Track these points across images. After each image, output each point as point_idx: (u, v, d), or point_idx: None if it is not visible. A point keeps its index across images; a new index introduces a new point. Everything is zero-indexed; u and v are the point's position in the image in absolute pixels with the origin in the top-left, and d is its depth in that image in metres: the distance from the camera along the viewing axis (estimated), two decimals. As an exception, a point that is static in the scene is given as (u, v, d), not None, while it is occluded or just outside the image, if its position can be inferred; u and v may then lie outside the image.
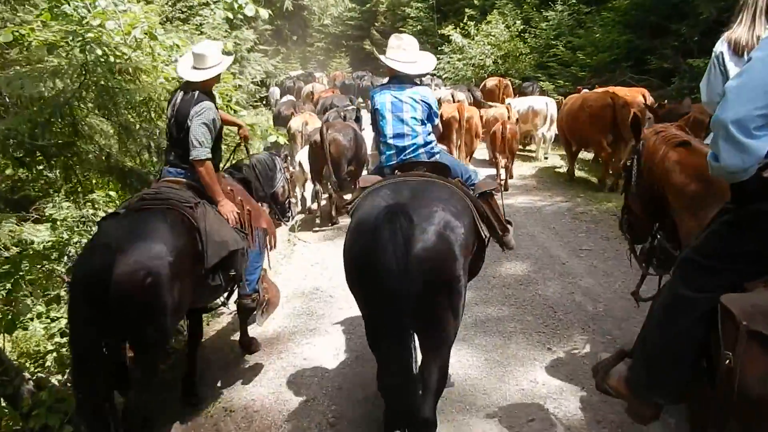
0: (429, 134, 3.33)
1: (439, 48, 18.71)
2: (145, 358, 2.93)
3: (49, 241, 4.98)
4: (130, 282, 2.67)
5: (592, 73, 12.37)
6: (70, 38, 4.52)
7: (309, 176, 7.73)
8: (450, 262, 2.53)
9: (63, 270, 4.79)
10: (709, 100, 2.46)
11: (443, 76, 17.36)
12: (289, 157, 7.51)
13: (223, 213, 3.53)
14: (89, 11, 4.94)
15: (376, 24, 30.61)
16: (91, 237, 3.60)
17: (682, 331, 2.03)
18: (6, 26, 4.68)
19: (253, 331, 4.54)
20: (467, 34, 17.81)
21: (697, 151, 2.52)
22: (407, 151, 3.24)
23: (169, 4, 12.89)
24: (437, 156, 3.33)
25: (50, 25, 4.85)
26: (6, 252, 4.42)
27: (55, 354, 4.27)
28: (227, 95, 6.21)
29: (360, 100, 14.69)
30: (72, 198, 5.04)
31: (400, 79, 3.29)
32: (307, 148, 7.65)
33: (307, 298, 5.37)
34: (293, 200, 5.24)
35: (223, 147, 4.13)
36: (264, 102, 18.64)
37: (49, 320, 4.61)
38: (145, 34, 4.95)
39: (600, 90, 9.04)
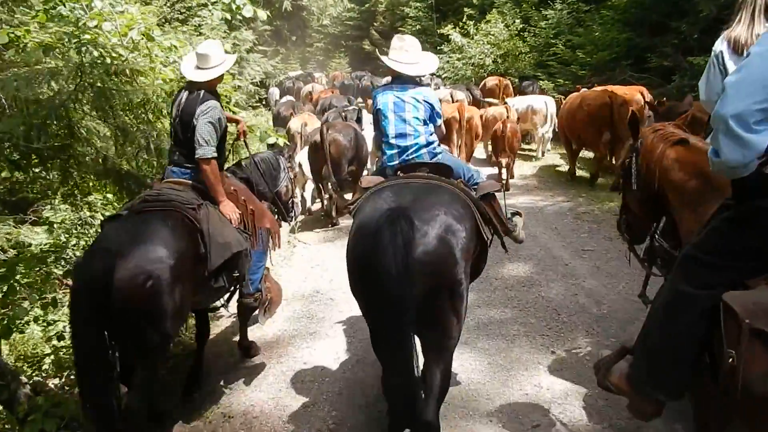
0: (431, 134, 3.31)
1: (438, 47, 18.65)
2: (145, 361, 2.92)
3: (46, 244, 4.94)
4: (131, 286, 2.67)
5: (592, 71, 12.32)
6: (66, 40, 4.45)
7: (309, 177, 7.67)
8: (451, 265, 2.52)
9: (60, 273, 4.75)
10: (707, 98, 2.44)
11: (443, 76, 17.29)
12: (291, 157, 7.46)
13: (225, 213, 3.53)
14: (86, 12, 4.88)
15: (375, 24, 30.52)
16: (93, 240, 3.59)
17: (683, 328, 2.03)
18: (2, 28, 4.62)
19: (252, 334, 4.50)
20: (466, 33, 17.76)
21: (696, 148, 2.54)
22: (409, 151, 3.22)
23: (168, 5, 12.82)
24: (439, 156, 3.31)
25: (48, 27, 4.80)
26: (3, 255, 4.38)
27: (52, 357, 4.23)
28: (226, 96, 6.15)
29: (359, 100, 14.65)
30: (69, 201, 4.99)
31: (402, 80, 3.29)
32: (306, 148, 7.60)
33: (307, 300, 5.32)
34: (296, 200, 5.23)
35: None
36: (263, 103, 18.58)
37: (46, 323, 4.57)
38: (142, 35, 4.88)
39: (599, 89, 9.02)
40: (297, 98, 14.67)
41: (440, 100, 3.83)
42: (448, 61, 17.67)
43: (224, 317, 4.94)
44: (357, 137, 7.50)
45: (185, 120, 3.49)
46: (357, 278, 2.70)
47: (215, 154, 3.50)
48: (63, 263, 4.77)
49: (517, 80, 14.42)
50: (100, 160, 4.20)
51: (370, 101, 11.70)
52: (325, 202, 7.74)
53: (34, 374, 4.11)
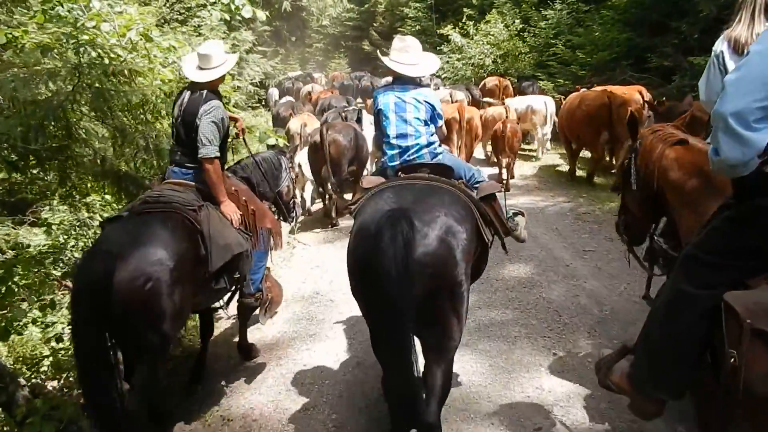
0: (432, 135, 3.31)
1: (438, 48, 18.63)
2: (145, 363, 2.92)
3: (45, 245, 4.91)
4: (131, 288, 2.69)
5: (592, 71, 12.29)
6: (64, 40, 4.43)
7: (309, 178, 7.64)
8: (452, 266, 2.52)
9: (59, 274, 4.72)
10: (707, 98, 2.44)
11: (442, 76, 17.27)
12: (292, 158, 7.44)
13: (226, 214, 3.53)
14: (84, 13, 4.86)
15: (374, 24, 30.47)
16: (91, 241, 3.59)
17: (684, 328, 2.04)
18: (0, 28, 4.59)
19: (251, 336, 4.47)
20: (466, 33, 17.74)
21: (696, 148, 2.56)
22: (410, 152, 3.22)
23: (167, 5, 12.81)
24: (440, 157, 3.30)
25: (47, 28, 4.78)
26: (1, 256, 4.36)
27: (51, 359, 4.20)
28: (226, 96, 6.12)
29: (359, 100, 14.62)
30: (68, 202, 4.96)
31: (403, 81, 3.29)
32: (306, 149, 7.57)
33: (307, 302, 5.29)
34: (298, 200, 5.22)
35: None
36: (263, 103, 18.56)
37: (44, 325, 4.54)
38: (141, 36, 4.86)
39: (598, 89, 9.01)
40: (296, 99, 14.64)
41: (440, 100, 3.81)
42: (447, 62, 17.64)
43: (223, 319, 4.91)
44: (357, 137, 7.47)
45: (188, 120, 3.49)
46: (357, 279, 2.70)
47: (218, 154, 3.51)
48: (62, 264, 4.75)
49: (515, 80, 14.37)
50: (98, 161, 4.17)
51: (369, 101, 11.73)
52: (327, 203, 7.71)
53: (32, 376, 4.08)
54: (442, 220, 2.56)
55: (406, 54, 3.28)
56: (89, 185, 4.62)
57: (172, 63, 5.61)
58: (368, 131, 7.82)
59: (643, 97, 9.02)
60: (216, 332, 4.83)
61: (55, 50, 4.60)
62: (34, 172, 4.56)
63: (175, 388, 3.90)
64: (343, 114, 8.95)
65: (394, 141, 3.23)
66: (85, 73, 4.08)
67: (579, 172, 9.08)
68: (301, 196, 8.24)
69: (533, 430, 3.17)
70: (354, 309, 4.78)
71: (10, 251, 4.83)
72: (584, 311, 4.52)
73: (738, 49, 2.30)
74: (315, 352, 4.32)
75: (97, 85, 4.17)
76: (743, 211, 1.90)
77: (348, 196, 8.11)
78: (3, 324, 3.65)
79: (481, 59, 16.62)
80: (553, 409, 3.33)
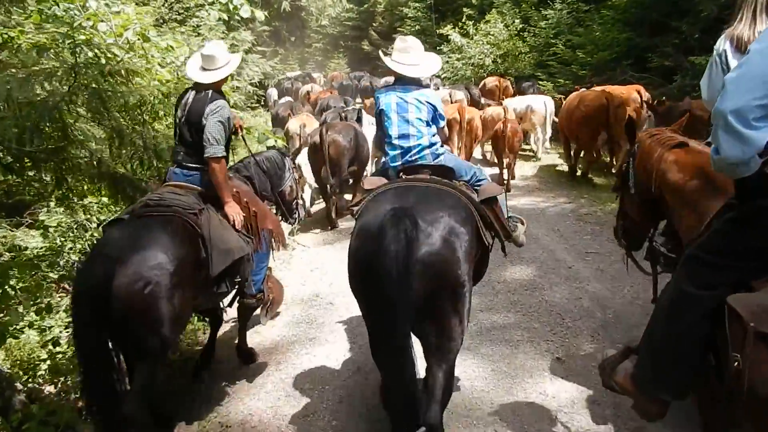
0: (434, 135, 3.30)
1: (437, 48, 18.58)
2: (145, 366, 2.90)
3: (42, 247, 4.87)
4: (130, 292, 2.69)
5: (592, 71, 12.25)
6: (61, 40, 4.37)
7: (309, 178, 7.58)
8: (454, 267, 2.51)
9: (56, 277, 4.67)
10: (709, 97, 2.41)
11: (442, 76, 17.23)
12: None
13: (230, 214, 3.53)
14: (81, 12, 4.80)
15: (374, 24, 30.40)
16: (89, 243, 3.57)
17: (687, 328, 2.05)
18: (-1, 29, 4.55)
19: (250, 339, 4.42)
20: (466, 33, 17.70)
21: (695, 150, 2.58)
22: (412, 152, 3.21)
23: (165, 5, 12.75)
24: (441, 158, 3.30)
25: (44, 28, 4.73)
26: (-1, 257, 4.33)
27: (49, 362, 4.15)
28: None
29: (358, 100, 14.56)
30: (66, 204, 4.92)
31: (405, 81, 3.29)
32: (306, 150, 7.51)
33: (307, 305, 5.23)
34: (300, 201, 5.21)
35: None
36: (262, 103, 18.50)
37: (41, 329, 4.49)
38: (138, 35, 4.80)
39: (597, 89, 8.99)
40: (295, 99, 14.59)
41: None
42: (447, 62, 17.60)
43: (222, 322, 4.84)
44: (357, 137, 7.41)
45: (193, 119, 3.49)
46: (358, 278, 2.69)
47: (225, 153, 3.52)
48: (58, 267, 4.70)
49: (513, 80, 14.30)
50: (95, 163, 4.11)
51: (368, 102, 11.69)
52: (328, 204, 7.65)
53: (29, 380, 4.04)
54: (446, 221, 2.56)
55: (408, 55, 3.28)
56: (86, 187, 4.56)
57: (170, 63, 5.56)
58: (368, 131, 7.77)
59: (641, 97, 9.03)
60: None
61: (52, 50, 4.55)
62: (31, 174, 4.50)
63: (173, 392, 3.83)
64: (343, 114, 8.90)
65: (396, 141, 3.23)
66: (82, 74, 4.03)
67: (579, 173, 9.03)
68: (301, 197, 8.18)
69: (537, 436, 3.13)
70: (354, 312, 4.75)
71: (6, 254, 4.79)
72: (587, 314, 4.47)
73: (740, 47, 2.27)
74: (315, 357, 4.26)
75: (93, 85, 4.12)
76: (745, 212, 1.90)
77: (348, 197, 8.07)
78: (-1, 328, 3.60)
79: (480, 59, 16.58)
80: (557, 415, 3.28)
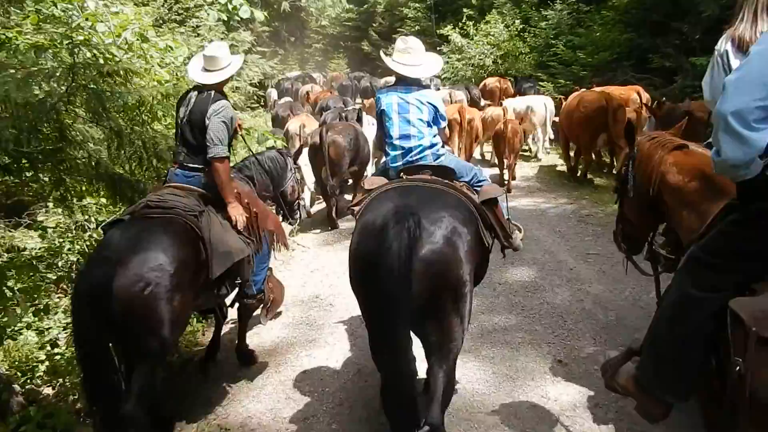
0: (435, 136, 3.31)
1: (437, 48, 18.56)
2: (144, 368, 2.89)
3: (41, 248, 4.85)
4: (130, 294, 2.70)
5: (593, 72, 12.24)
6: (59, 41, 4.34)
7: (308, 179, 7.55)
8: (457, 267, 2.52)
9: (54, 278, 4.64)
10: (711, 98, 2.41)
11: (442, 77, 17.22)
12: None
13: (233, 215, 3.52)
14: (79, 13, 4.78)
15: (374, 25, 30.41)
16: (94, 245, 3.58)
17: (689, 331, 2.05)
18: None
19: (250, 341, 4.39)
20: (466, 34, 17.69)
21: (694, 152, 2.61)
22: (413, 153, 3.22)
23: (165, 6, 12.72)
24: (442, 158, 3.31)
25: (43, 28, 4.70)
26: (-2, 258, 4.31)
27: (47, 363, 4.14)
28: (224, 97, 6.05)
29: (358, 100, 14.55)
30: (64, 204, 4.88)
31: (406, 82, 3.30)
32: (306, 150, 7.48)
33: (307, 306, 5.20)
34: (302, 202, 5.20)
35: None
36: (261, 103, 18.47)
37: (39, 330, 4.46)
38: (137, 36, 4.77)
39: (596, 89, 8.98)
40: (295, 99, 14.57)
41: (440, 101, 3.77)
42: (447, 62, 17.60)
43: (227, 317, 4.81)
44: (358, 137, 7.38)
45: (196, 120, 3.49)
46: (360, 275, 2.68)
47: (228, 154, 3.52)
48: (57, 268, 4.67)
49: (512, 80, 14.28)
50: (93, 164, 4.08)
51: (367, 102, 11.67)
52: (329, 205, 7.62)
53: (27, 381, 4.03)
54: (448, 221, 2.56)
55: (409, 55, 3.28)
56: (84, 188, 4.53)
57: (169, 63, 5.54)
58: (368, 131, 7.74)
59: (641, 98, 9.02)
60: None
61: (50, 51, 4.52)
62: (28, 175, 4.47)
63: (172, 394, 3.80)
64: (344, 114, 8.87)
65: (396, 142, 3.23)
66: (80, 74, 3.99)
67: (580, 173, 9.01)
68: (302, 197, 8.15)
69: (539, 440, 3.10)
70: (354, 314, 4.72)
71: (5, 254, 4.76)
72: (589, 316, 4.44)
73: (742, 47, 2.27)
74: (315, 359, 4.23)
75: (92, 85, 4.08)
76: (748, 214, 1.90)
77: (349, 197, 8.04)
78: (-4, 330, 3.58)
79: (481, 60, 16.57)
80: (559, 419, 3.25)
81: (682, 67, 9.94)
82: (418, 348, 2.55)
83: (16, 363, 4.18)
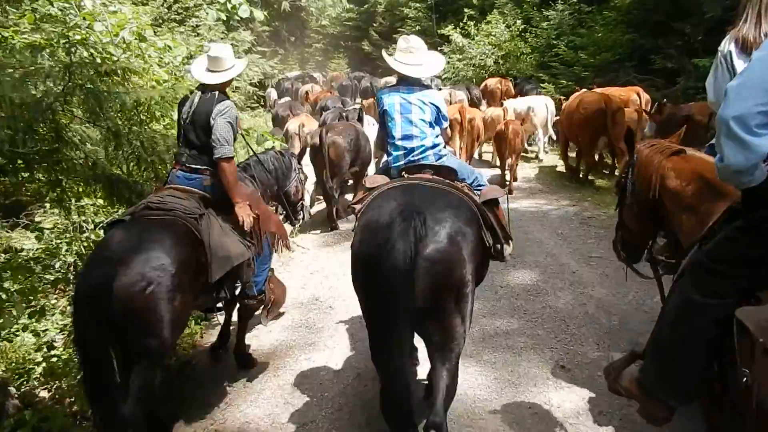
0: (437, 136, 3.31)
1: (438, 48, 18.48)
2: (143, 369, 2.86)
3: (38, 249, 4.80)
4: (132, 293, 2.70)
5: (595, 72, 12.19)
6: (55, 40, 4.29)
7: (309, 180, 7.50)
8: (460, 266, 2.53)
9: (52, 278, 4.59)
10: (715, 99, 2.43)
11: (443, 77, 17.16)
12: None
13: (240, 215, 3.53)
14: (77, 12, 4.72)
15: (374, 25, 30.33)
16: (95, 245, 3.57)
17: (692, 336, 2.05)
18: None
19: (248, 344, 4.33)
20: (467, 34, 17.63)
21: (692, 156, 2.64)
22: (415, 153, 3.22)
23: (164, 5, 12.67)
24: (444, 159, 3.30)
25: (42, 27, 4.66)
26: (-5, 259, 4.27)
27: (44, 365, 4.09)
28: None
29: (358, 100, 14.50)
30: (61, 205, 4.83)
31: (408, 82, 3.29)
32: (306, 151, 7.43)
33: (306, 308, 5.14)
34: (305, 202, 5.17)
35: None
36: (261, 103, 18.43)
37: (35, 332, 4.42)
38: (135, 35, 4.72)
39: (597, 91, 8.94)
40: (295, 99, 14.53)
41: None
42: (448, 62, 17.53)
43: (220, 325, 4.75)
44: (358, 137, 7.33)
45: (200, 120, 3.49)
46: (363, 273, 2.68)
47: (234, 154, 3.53)
48: (54, 270, 4.62)
49: (512, 80, 14.23)
50: (90, 165, 4.02)
51: (366, 102, 11.61)
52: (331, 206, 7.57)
53: (23, 384, 3.98)
54: (452, 220, 2.57)
55: (411, 54, 3.27)
56: (81, 189, 4.48)
57: (167, 63, 5.48)
58: (368, 131, 7.69)
59: (640, 99, 8.99)
60: (211, 340, 4.71)
61: (47, 50, 4.47)
62: (25, 176, 4.43)
63: (169, 397, 3.75)
64: (344, 114, 8.82)
65: (399, 142, 3.24)
66: (77, 73, 3.94)
67: (582, 174, 8.96)
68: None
69: (542, 448, 3.04)
70: (355, 316, 4.67)
71: (2, 255, 4.71)
72: (592, 321, 4.38)
73: (746, 48, 2.27)
74: (314, 362, 4.17)
75: (89, 85, 4.03)
76: (752, 220, 1.90)
77: (349, 197, 7.98)
78: (-9, 332, 3.54)
79: (482, 60, 16.51)
80: (563, 426, 3.20)
81: (685, 69, 9.89)
82: (417, 347, 2.54)
83: (13, 365, 4.14)
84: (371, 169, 7.74)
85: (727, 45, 2.33)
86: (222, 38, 13.29)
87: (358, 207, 3.02)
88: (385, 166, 3.46)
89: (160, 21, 11.55)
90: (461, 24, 18.04)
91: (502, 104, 10.75)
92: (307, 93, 14.70)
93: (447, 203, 2.71)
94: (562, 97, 10.93)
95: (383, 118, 3.31)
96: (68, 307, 4.62)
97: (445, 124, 3.41)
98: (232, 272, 3.42)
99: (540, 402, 3.44)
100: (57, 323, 4.49)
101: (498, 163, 9.29)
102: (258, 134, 5.58)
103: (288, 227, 5.31)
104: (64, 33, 4.23)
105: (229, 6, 5.35)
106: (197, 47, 6.87)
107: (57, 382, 4.00)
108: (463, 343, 2.64)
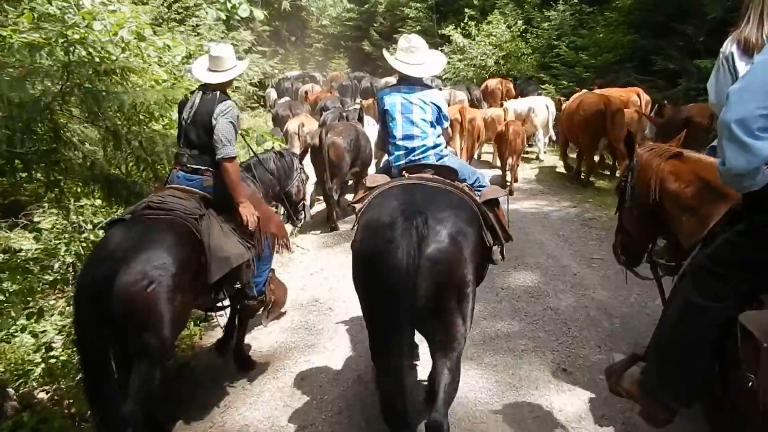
0: (438, 136, 3.30)
1: (439, 48, 18.43)
2: (143, 368, 2.85)
3: (36, 249, 4.77)
4: (133, 291, 2.70)
5: (596, 73, 12.16)
6: (54, 39, 4.26)
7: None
8: (461, 266, 2.53)
9: (50, 279, 4.56)
10: (717, 100, 2.42)
11: (443, 77, 17.12)
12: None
13: (244, 215, 3.53)
14: (75, 11, 4.69)
15: (374, 25, 30.28)
16: (97, 242, 3.57)
17: (694, 338, 2.06)
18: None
19: (247, 346, 4.30)
20: (468, 34, 17.60)
21: (691, 158, 2.65)
22: (416, 152, 3.22)
23: (164, 4, 12.64)
24: (445, 159, 3.30)
25: (42, 26, 4.62)
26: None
27: (43, 366, 4.07)
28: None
29: (358, 100, 14.46)
30: (59, 206, 4.81)
31: (410, 81, 3.28)
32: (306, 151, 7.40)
33: (305, 310, 5.11)
34: (307, 202, 5.16)
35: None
36: (261, 103, 18.42)
37: (33, 333, 4.39)
38: (134, 34, 4.68)
39: (597, 92, 8.92)
40: (295, 99, 14.50)
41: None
42: (449, 62, 17.50)
43: (218, 327, 4.72)
44: (359, 137, 7.30)
45: (202, 120, 3.48)
46: (364, 272, 2.67)
47: (236, 154, 3.52)
48: (51, 271, 4.59)
49: (512, 80, 14.20)
50: (88, 165, 4.00)
51: (366, 102, 11.58)
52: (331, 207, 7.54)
53: (22, 385, 3.97)
54: (453, 220, 2.57)
55: (412, 54, 3.26)
56: (79, 190, 4.45)
57: (167, 63, 5.45)
58: (368, 131, 7.66)
59: (641, 99, 8.97)
60: (210, 341, 4.69)
61: (45, 49, 4.44)
62: (23, 175, 4.40)
63: (167, 399, 3.72)
64: (345, 114, 8.79)
65: (400, 142, 3.24)
66: (75, 72, 3.91)
67: (583, 176, 8.93)
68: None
69: (544, 453, 3.01)
70: (355, 318, 4.65)
71: (1, 255, 4.69)
72: (594, 323, 4.35)
73: (748, 50, 2.25)
74: (313, 365, 4.14)
75: (87, 84, 4.00)
76: (754, 223, 1.90)
77: (350, 197, 7.94)
78: (-12, 334, 3.52)
79: (483, 60, 16.48)
80: (564, 429, 3.17)
81: (686, 70, 9.85)
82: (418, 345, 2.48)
83: (12, 366, 4.12)
84: (372, 169, 7.72)
85: (729, 46, 2.32)
86: (222, 38, 13.28)
87: (358, 206, 3.01)
88: (385, 166, 3.46)
89: (160, 20, 11.53)
90: (462, 24, 18.00)
91: (502, 105, 10.73)
92: (306, 93, 14.68)
93: (448, 203, 2.70)
94: (562, 98, 10.91)
95: (384, 117, 3.30)
96: (67, 308, 4.60)
97: (446, 124, 3.40)
98: (231, 273, 3.41)
99: (541, 405, 3.40)
100: (56, 324, 4.46)
101: (498, 164, 9.27)
102: (257, 135, 5.54)
103: (288, 227, 5.30)
104: (63, 32, 4.20)
105: (228, 5, 5.31)
106: (197, 46, 6.84)
107: (56, 383, 3.98)
108: (464, 342, 2.64)
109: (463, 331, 2.59)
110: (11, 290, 4.31)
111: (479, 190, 3.27)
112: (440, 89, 12.56)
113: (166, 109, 4.62)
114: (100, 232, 4.46)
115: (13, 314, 4.18)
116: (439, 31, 19.80)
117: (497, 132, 8.79)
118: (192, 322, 4.62)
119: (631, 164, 2.97)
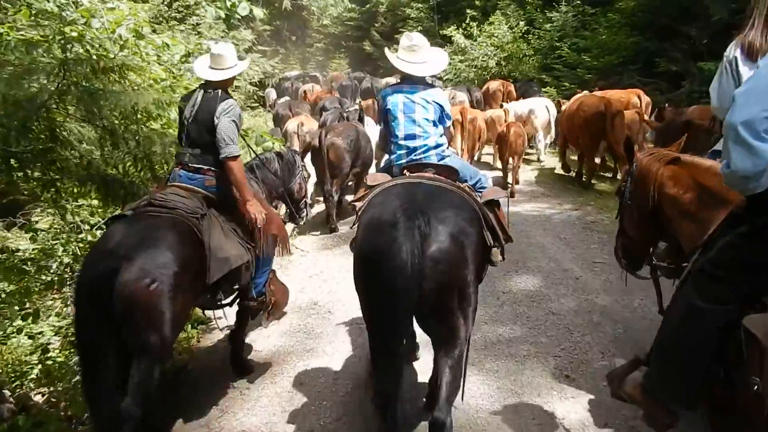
0: (441, 136, 3.29)
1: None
2: (143, 367, 2.83)
3: (34, 250, 4.72)
4: (135, 289, 2.70)
5: (598, 75, 12.11)
6: (51, 36, 4.20)
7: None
8: (462, 266, 2.53)
9: (48, 280, 4.50)
10: (719, 104, 2.46)
11: (444, 78, 17.07)
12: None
13: (252, 212, 3.52)
14: (74, 8, 4.64)
15: (375, 25, 30.26)
16: (98, 239, 3.57)
17: (695, 341, 2.07)
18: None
19: (245, 350, 4.24)
20: (469, 35, 17.56)
21: (690, 163, 2.65)
22: (418, 152, 3.22)
23: (165, 3, 12.58)
24: (447, 159, 3.29)
25: (41, 24, 4.57)
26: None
27: (40, 367, 4.02)
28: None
29: (358, 100, 14.40)
30: (56, 206, 4.75)
31: (412, 80, 3.27)
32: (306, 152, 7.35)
33: (304, 313, 5.05)
34: (309, 201, 5.14)
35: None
36: (261, 103, 18.37)
37: (29, 335, 4.34)
38: (132, 32, 4.63)
39: (597, 93, 8.89)
40: (295, 99, 14.45)
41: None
42: (450, 63, 17.44)
43: (216, 330, 4.67)
44: (359, 138, 7.24)
45: (204, 119, 3.48)
46: (365, 272, 2.65)
47: (240, 152, 3.52)
48: (47, 272, 4.53)
49: (512, 82, 14.15)
50: (84, 164, 3.94)
51: (365, 102, 11.52)
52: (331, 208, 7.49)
53: (18, 387, 3.91)
54: (455, 220, 2.57)
55: (414, 53, 3.24)
56: (75, 190, 4.40)
57: (166, 61, 5.40)
58: (368, 131, 7.61)
59: (641, 101, 8.93)
60: (208, 344, 4.64)
61: (43, 47, 4.38)
62: (19, 175, 4.35)
63: (163, 403, 3.67)
64: (345, 114, 8.74)
65: (402, 142, 3.24)
66: (72, 70, 3.85)
67: (585, 178, 8.88)
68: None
69: (547, 462, 2.95)
70: (354, 322, 4.59)
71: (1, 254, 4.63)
72: (597, 329, 4.29)
73: (752, 54, 2.27)
74: (312, 369, 4.08)
75: (84, 82, 3.94)
76: (756, 226, 1.90)
77: (350, 197, 7.88)
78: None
79: (484, 61, 16.44)
80: (568, 438, 3.11)
81: (689, 72, 9.83)
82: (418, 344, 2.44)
83: (8, 368, 4.07)
84: (372, 169, 7.66)
85: (733, 51, 2.33)
86: (222, 37, 13.21)
87: (359, 204, 3.01)
88: (387, 165, 3.46)
89: (160, 19, 11.48)
90: (463, 25, 17.97)
91: (502, 106, 10.69)
92: (305, 92, 14.62)
93: (449, 202, 2.69)
94: (562, 100, 10.87)
95: (386, 117, 3.28)
96: (64, 309, 4.55)
97: (449, 123, 3.39)
98: (230, 274, 3.39)
99: (544, 413, 3.35)
100: (53, 326, 4.41)
101: (499, 165, 9.21)
102: (257, 134, 5.49)
103: (288, 227, 5.26)
104: (60, 29, 4.14)
105: (228, 3, 5.26)
106: (196, 45, 6.77)
107: (52, 385, 3.93)
108: (465, 342, 2.64)
109: (465, 331, 2.59)
110: (7, 291, 4.26)
111: (480, 191, 3.26)
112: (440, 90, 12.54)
113: (164, 108, 4.56)
114: (98, 233, 4.41)
115: (9, 315, 4.13)
116: (441, 32, 19.76)
117: (498, 133, 8.75)
118: (189, 325, 4.56)
119: (630, 169, 2.98)
